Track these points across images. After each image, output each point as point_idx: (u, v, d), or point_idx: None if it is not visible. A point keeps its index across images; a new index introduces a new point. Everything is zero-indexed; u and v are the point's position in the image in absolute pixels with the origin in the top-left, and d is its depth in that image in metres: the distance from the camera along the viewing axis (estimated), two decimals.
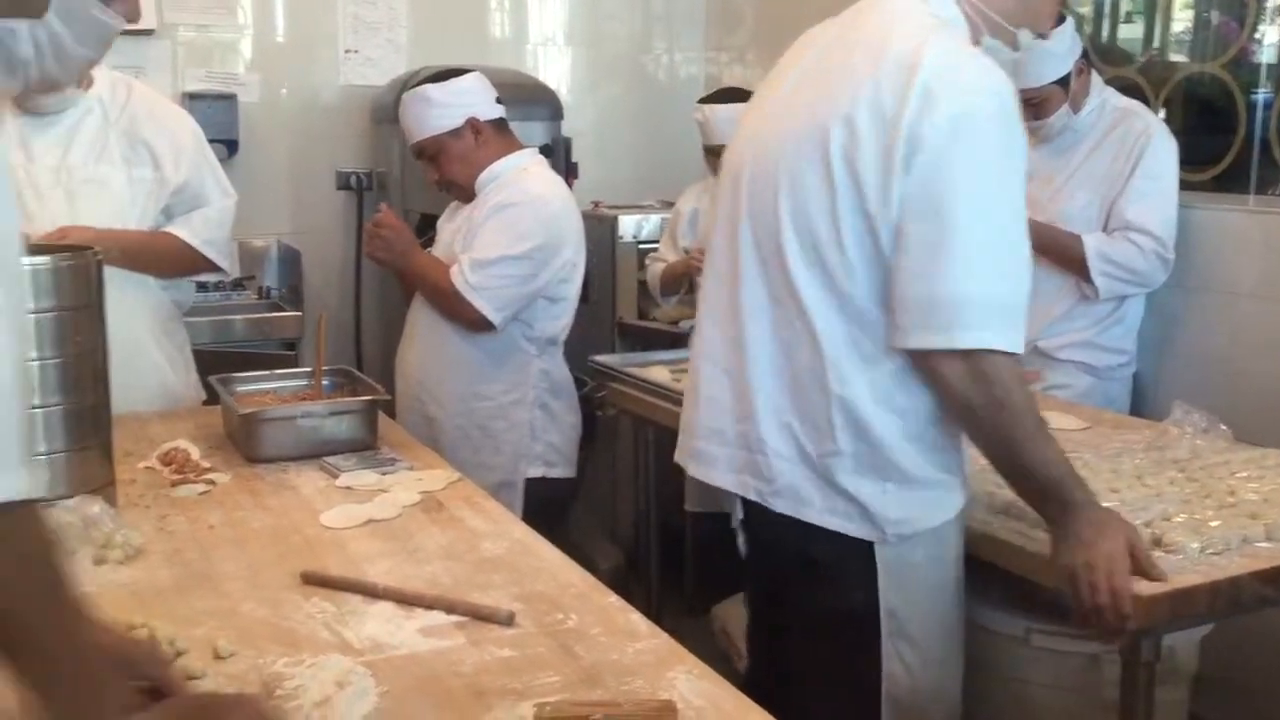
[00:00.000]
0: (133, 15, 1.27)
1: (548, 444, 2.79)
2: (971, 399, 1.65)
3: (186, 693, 1.25)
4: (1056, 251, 2.90)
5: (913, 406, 1.74)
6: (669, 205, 3.95)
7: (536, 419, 2.76)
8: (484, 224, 2.67)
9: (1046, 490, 1.69)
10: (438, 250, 2.82)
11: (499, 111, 2.77)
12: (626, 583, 3.46)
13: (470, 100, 2.72)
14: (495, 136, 2.74)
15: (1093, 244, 2.91)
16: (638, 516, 3.57)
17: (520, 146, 2.81)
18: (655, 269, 3.73)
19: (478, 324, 2.66)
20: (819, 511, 1.78)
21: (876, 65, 1.69)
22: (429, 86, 2.71)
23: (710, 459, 1.89)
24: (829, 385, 1.73)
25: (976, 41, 1.77)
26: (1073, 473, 1.69)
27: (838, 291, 1.71)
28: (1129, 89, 3.14)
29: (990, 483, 1.95)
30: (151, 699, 1.19)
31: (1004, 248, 1.65)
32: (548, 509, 2.72)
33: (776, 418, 1.79)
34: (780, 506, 1.80)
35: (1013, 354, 1.65)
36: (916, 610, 1.80)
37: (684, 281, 3.61)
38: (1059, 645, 1.87)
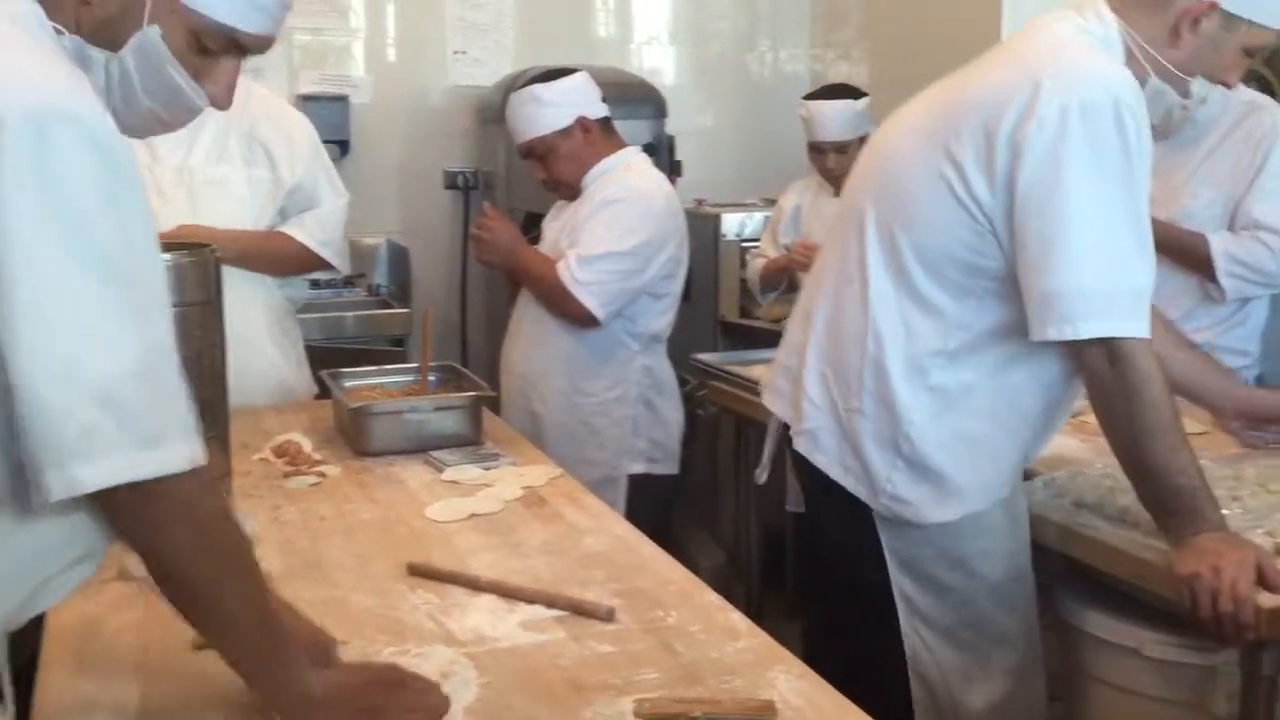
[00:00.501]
0: (220, 101, 1.25)
1: (650, 440, 2.80)
2: (1109, 386, 1.66)
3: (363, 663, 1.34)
4: (1178, 251, 2.80)
5: (946, 391, 1.78)
6: (772, 203, 3.92)
7: (639, 415, 2.78)
8: (590, 220, 2.69)
9: (1172, 498, 1.66)
10: (544, 248, 2.84)
11: (604, 110, 2.80)
12: (727, 582, 3.45)
13: (578, 99, 2.74)
14: (601, 135, 2.77)
15: (1219, 244, 2.80)
16: (738, 516, 3.56)
17: (624, 145, 2.83)
18: (755, 265, 3.71)
19: (583, 319, 2.68)
20: (830, 460, 1.89)
21: (1004, 67, 1.74)
22: (538, 86, 2.73)
23: (776, 390, 2.05)
24: (867, 346, 1.82)
25: (1142, 82, 1.74)
26: (1205, 488, 1.66)
27: (899, 268, 1.79)
28: (1255, 82, 3.02)
29: (1103, 488, 1.90)
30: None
31: (1119, 238, 1.65)
32: (650, 505, 2.74)
33: (817, 366, 1.92)
34: (800, 445, 1.93)
35: (1147, 340, 1.67)
36: (935, 603, 1.85)
37: (784, 277, 3.58)
38: (1174, 657, 1.81)
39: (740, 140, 4.75)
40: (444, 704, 1.27)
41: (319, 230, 2.67)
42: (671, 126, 4.05)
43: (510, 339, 2.93)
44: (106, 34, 1.16)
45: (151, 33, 1.16)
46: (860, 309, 1.84)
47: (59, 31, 1.13)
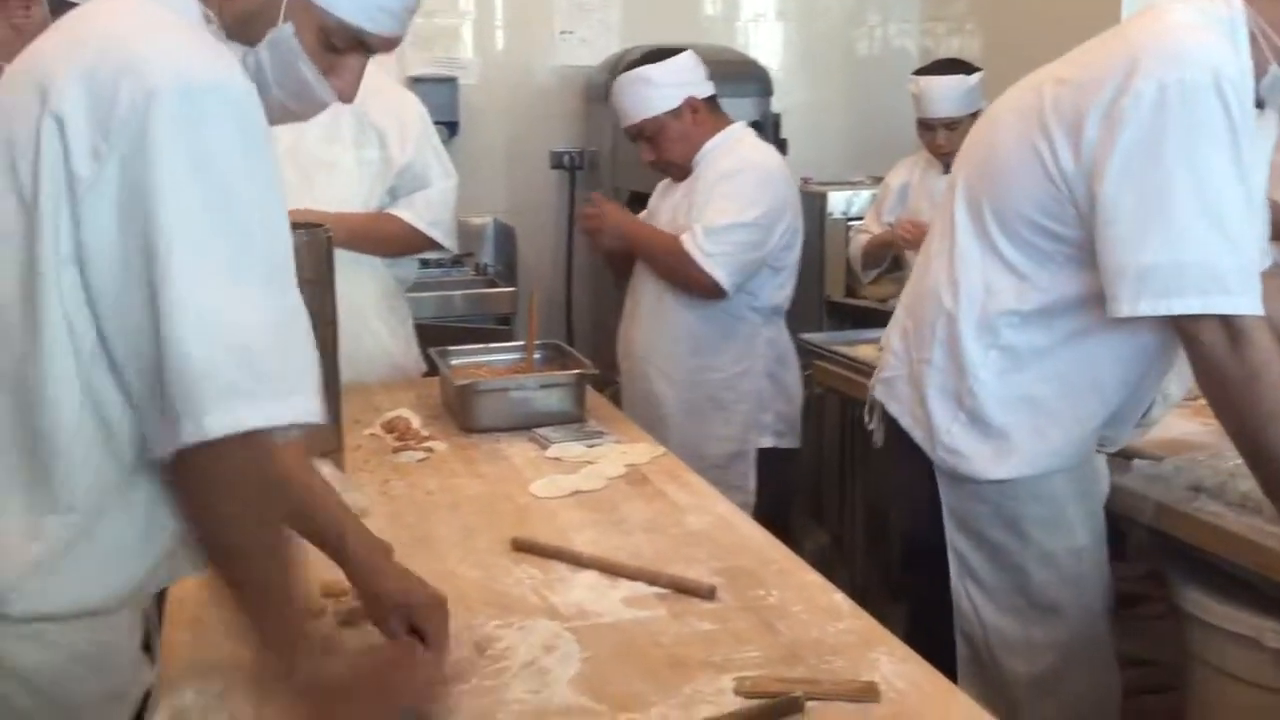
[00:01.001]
0: (346, 95, 1.30)
1: (776, 413, 2.80)
2: (1227, 367, 1.63)
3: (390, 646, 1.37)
4: None
5: (1015, 351, 1.80)
6: (879, 181, 3.86)
7: (765, 389, 2.77)
8: (710, 193, 2.68)
9: None
10: (652, 219, 2.85)
11: (711, 89, 2.78)
12: (831, 564, 3.42)
13: (687, 79, 2.73)
14: (709, 114, 2.75)
15: None
16: (843, 497, 3.53)
17: (730, 121, 2.81)
18: (858, 241, 3.66)
19: (709, 290, 2.66)
20: (902, 409, 1.96)
21: (1109, 47, 1.73)
22: (647, 68, 2.71)
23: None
24: (943, 299, 1.87)
25: (1263, 70, 1.70)
26: None
27: (982, 230, 1.83)
28: None
29: (1223, 473, 1.84)
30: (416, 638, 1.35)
31: (1223, 213, 1.61)
32: (777, 478, 2.75)
33: (902, 317, 2.00)
34: (879, 393, 2.02)
35: (1263, 318, 1.63)
36: (986, 563, 1.86)
37: (887, 255, 3.52)
38: None
39: (847, 117, 4.68)
40: (440, 680, 1.29)
41: (428, 211, 2.70)
42: (777, 104, 4.01)
43: (627, 321, 2.92)
44: (244, 28, 1.22)
45: (286, 30, 1.21)
46: (945, 265, 1.88)
47: (207, 20, 1.20)
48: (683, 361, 2.75)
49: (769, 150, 2.82)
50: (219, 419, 1.06)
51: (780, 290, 2.80)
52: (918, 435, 1.92)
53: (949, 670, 1.34)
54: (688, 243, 2.65)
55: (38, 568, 1.12)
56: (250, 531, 1.14)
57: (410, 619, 1.38)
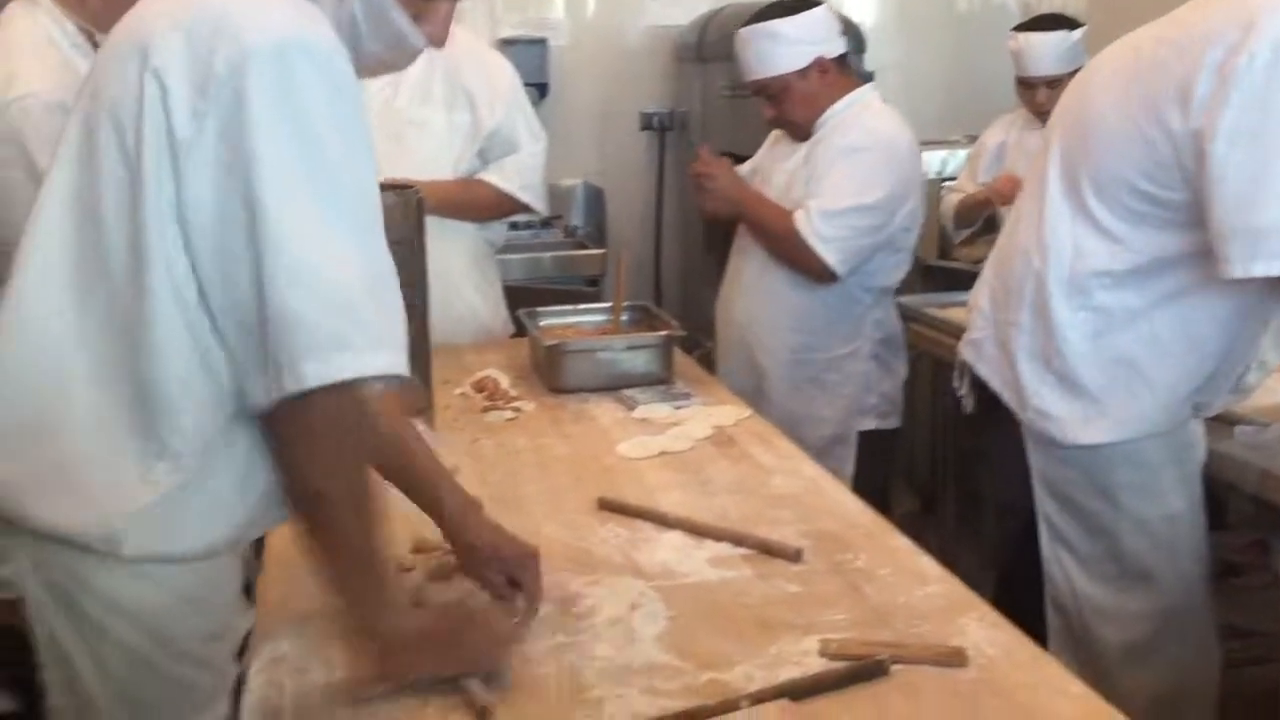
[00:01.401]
0: (436, 40, 1.31)
1: (881, 395, 2.64)
2: None
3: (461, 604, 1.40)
4: None
5: (1108, 312, 1.76)
6: (975, 140, 3.78)
7: (870, 371, 2.61)
8: (831, 168, 2.50)
9: None
10: (773, 194, 2.63)
11: (843, 46, 2.59)
12: (920, 529, 3.38)
13: (819, 36, 2.53)
14: (838, 74, 2.57)
15: None
16: (935, 461, 3.48)
17: (859, 83, 2.62)
18: (951, 199, 3.54)
19: (821, 275, 2.50)
20: (990, 371, 1.94)
21: (1223, 5, 1.67)
22: (778, 22, 2.51)
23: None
24: (1032, 260, 1.84)
25: None
26: None
27: (1075, 190, 1.79)
28: None
29: None
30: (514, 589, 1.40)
31: None
32: (877, 461, 2.61)
33: (990, 278, 1.97)
34: (966, 354, 2.00)
35: None
36: (1077, 529, 1.83)
37: (980, 214, 3.43)
38: None
39: (943, 75, 4.57)
40: (511, 632, 1.30)
41: (518, 175, 2.71)
42: (870, 62, 3.92)
43: (730, 289, 2.75)
44: None
45: None
46: (1035, 225, 1.85)
47: None
48: (785, 338, 2.59)
49: (898, 122, 2.60)
50: (317, 368, 1.09)
51: (896, 271, 2.62)
52: (1007, 397, 1.89)
53: (1041, 639, 1.32)
54: (801, 223, 2.47)
55: (148, 512, 1.17)
56: (339, 482, 1.16)
57: (505, 572, 1.41)
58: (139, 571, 1.19)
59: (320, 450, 1.15)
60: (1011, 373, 1.88)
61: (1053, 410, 1.82)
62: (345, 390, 1.11)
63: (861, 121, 2.54)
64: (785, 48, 2.51)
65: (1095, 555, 1.84)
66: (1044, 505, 1.87)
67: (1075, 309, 1.79)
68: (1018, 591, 1.90)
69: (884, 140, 2.52)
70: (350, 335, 1.11)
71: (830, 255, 2.46)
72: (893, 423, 2.68)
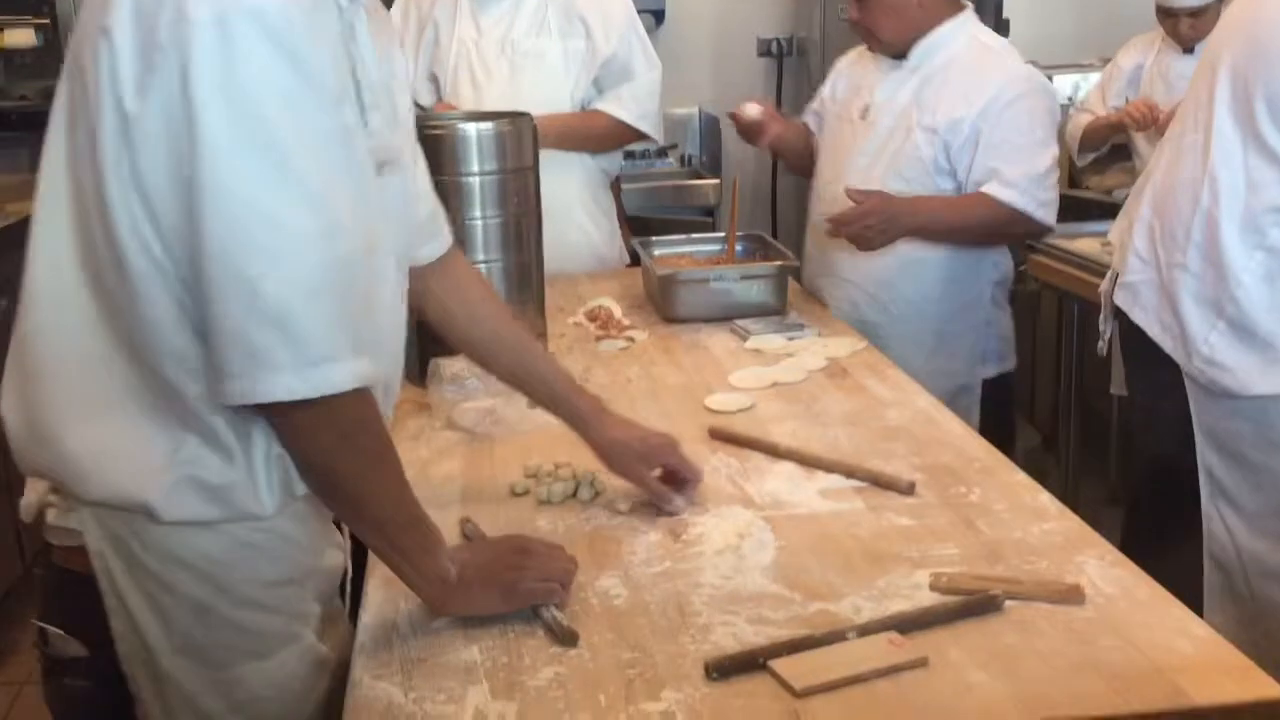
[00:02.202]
0: None
1: (1000, 338, 2.50)
2: None
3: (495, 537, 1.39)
4: None
5: None
6: (1109, 63, 3.61)
7: (991, 315, 2.46)
8: (1002, 125, 2.27)
9: None
10: (880, 132, 2.37)
11: None
12: (1041, 465, 3.31)
13: None
14: None
15: None
16: (1058, 397, 3.39)
17: (961, 7, 2.41)
18: (1078, 120, 3.37)
19: (1039, 236, 2.41)
20: (1149, 317, 1.83)
21: None
22: None
23: (1116, 247, 2.03)
24: (1201, 197, 1.73)
25: None
26: None
27: (1248, 115, 1.68)
28: None
29: None
30: (671, 482, 1.46)
31: None
32: (1000, 406, 2.47)
33: (1148, 217, 1.86)
34: (1120, 299, 1.90)
35: None
36: (1243, 484, 1.73)
37: (1109, 138, 3.27)
38: None
39: None
40: (572, 565, 1.29)
41: (635, 104, 2.69)
42: None
43: (828, 240, 2.42)
44: None
45: None
46: (1200, 158, 1.73)
47: None
48: (904, 292, 2.39)
49: (1015, 51, 2.42)
50: (241, 387, 1.07)
51: None
52: (1168, 345, 1.79)
53: (1170, 586, 1.27)
54: (1014, 199, 2.25)
55: (189, 481, 1.15)
56: (342, 460, 1.15)
57: (656, 462, 1.46)
58: (191, 527, 1.17)
59: (312, 441, 1.14)
60: (1175, 319, 1.78)
61: (1224, 359, 1.73)
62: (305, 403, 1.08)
63: (997, 64, 2.33)
64: None
65: (1263, 511, 1.75)
66: (1207, 458, 1.78)
67: (1251, 249, 1.68)
68: (1154, 536, 1.83)
69: (1034, 82, 2.35)
70: (280, 355, 1.05)
71: (1048, 215, 2.31)
72: (1010, 364, 2.53)
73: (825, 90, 2.59)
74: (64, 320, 1.15)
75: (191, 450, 1.15)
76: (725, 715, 1.08)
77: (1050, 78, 3.79)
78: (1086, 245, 2.80)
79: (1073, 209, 3.64)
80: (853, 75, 2.53)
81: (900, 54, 2.39)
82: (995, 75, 2.31)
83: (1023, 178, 2.26)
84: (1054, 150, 2.33)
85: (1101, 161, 3.51)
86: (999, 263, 2.48)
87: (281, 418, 1.12)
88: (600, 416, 1.52)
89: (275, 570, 1.23)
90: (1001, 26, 3.73)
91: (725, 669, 1.14)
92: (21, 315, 1.19)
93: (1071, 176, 3.77)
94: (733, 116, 2.55)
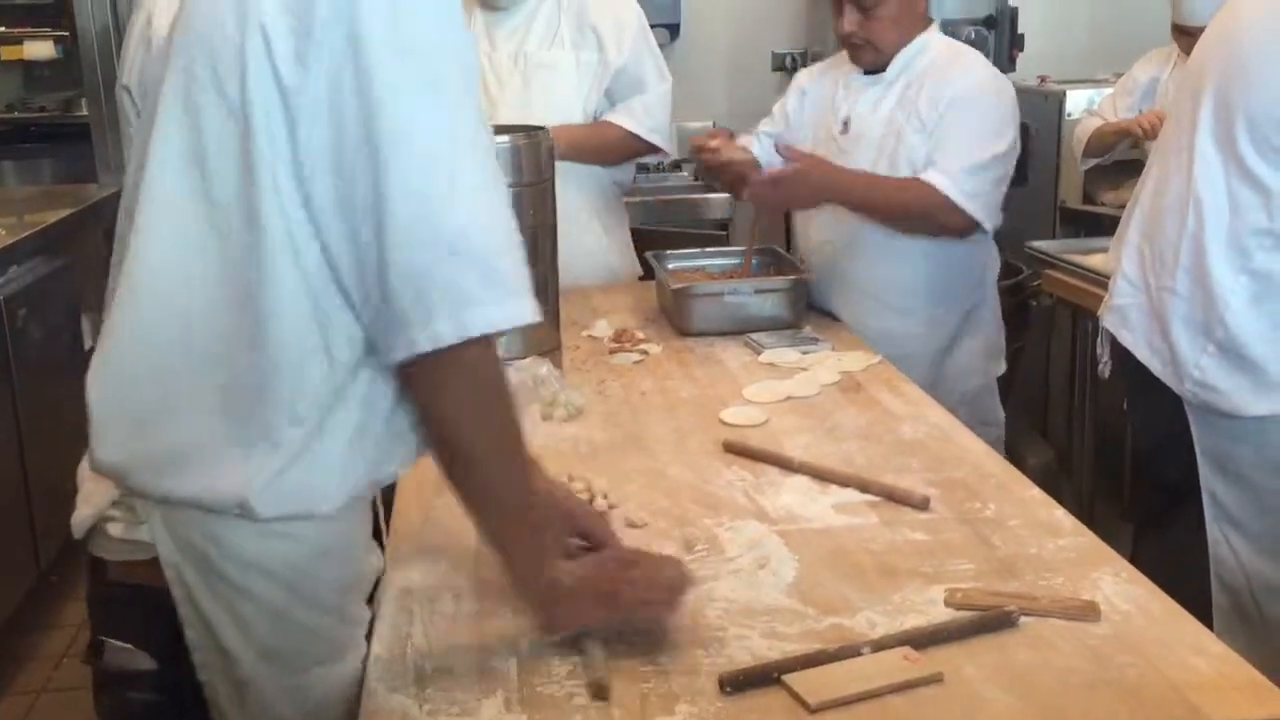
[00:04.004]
0: None
1: (1001, 329, 2.54)
2: None
3: (618, 547, 1.34)
4: None
5: (1270, 276, 1.65)
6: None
7: (998, 309, 2.50)
8: (955, 122, 2.31)
9: None
10: (871, 141, 2.39)
11: None
12: (1055, 481, 3.30)
13: None
14: (925, 8, 2.43)
15: None
16: (1072, 413, 3.38)
17: (930, 23, 2.45)
18: (1088, 124, 3.34)
19: (965, 232, 2.34)
20: (1137, 339, 1.84)
21: None
22: None
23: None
24: (1187, 220, 1.73)
25: None
26: None
27: (1228, 137, 1.68)
28: None
29: None
30: (585, 553, 1.31)
31: None
32: (1012, 400, 2.49)
33: (1136, 239, 1.86)
34: (1108, 321, 1.91)
35: None
36: (1247, 506, 1.72)
37: (1115, 145, 3.26)
38: None
39: (1092, 8, 4.37)
40: (684, 578, 1.25)
41: (646, 117, 2.70)
42: None
43: (849, 250, 2.46)
44: None
45: None
46: (1184, 181, 1.73)
47: None
48: (916, 301, 2.41)
49: (987, 62, 2.48)
50: (449, 326, 1.07)
51: (1002, 209, 2.46)
52: (1156, 367, 1.79)
53: (1179, 602, 1.27)
54: (945, 186, 2.27)
55: (279, 476, 1.15)
56: (487, 434, 1.15)
57: (573, 529, 1.35)
58: (272, 530, 1.17)
59: (464, 404, 1.13)
60: (1165, 343, 1.77)
61: (1217, 382, 1.72)
62: (481, 344, 1.09)
63: (965, 68, 2.38)
64: None
65: (1269, 533, 1.74)
66: (1209, 481, 1.77)
67: (1236, 272, 1.68)
68: (1159, 554, 1.83)
69: (997, 85, 2.39)
70: (481, 288, 1.08)
71: (980, 211, 2.31)
72: (1003, 361, 2.57)
73: (789, 108, 2.57)
74: (176, 313, 1.16)
75: (286, 444, 1.15)
76: None
77: (1064, 93, 3.84)
78: (1099, 260, 2.79)
79: (1087, 224, 3.65)
80: (818, 91, 2.53)
81: (879, 69, 2.41)
82: (961, 74, 2.36)
83: (958, 168, 2.28)
84: (998, 150, 2.30)
85: (1116, 176, 3.50)
86: (993, 254, 2.50)
87: (445, 370, 1.11)
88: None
89: (342, 574, 1.25)
90: (1017, 41, 3.74)
91: (739, 683, 1.14)
92: (123, 308, 1.18)
93: (1086, 193, 3.78)
94: (696, 151, 2.49)
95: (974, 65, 2.43)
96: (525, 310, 1.12)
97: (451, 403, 1.13)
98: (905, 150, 2.34)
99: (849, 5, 2.36)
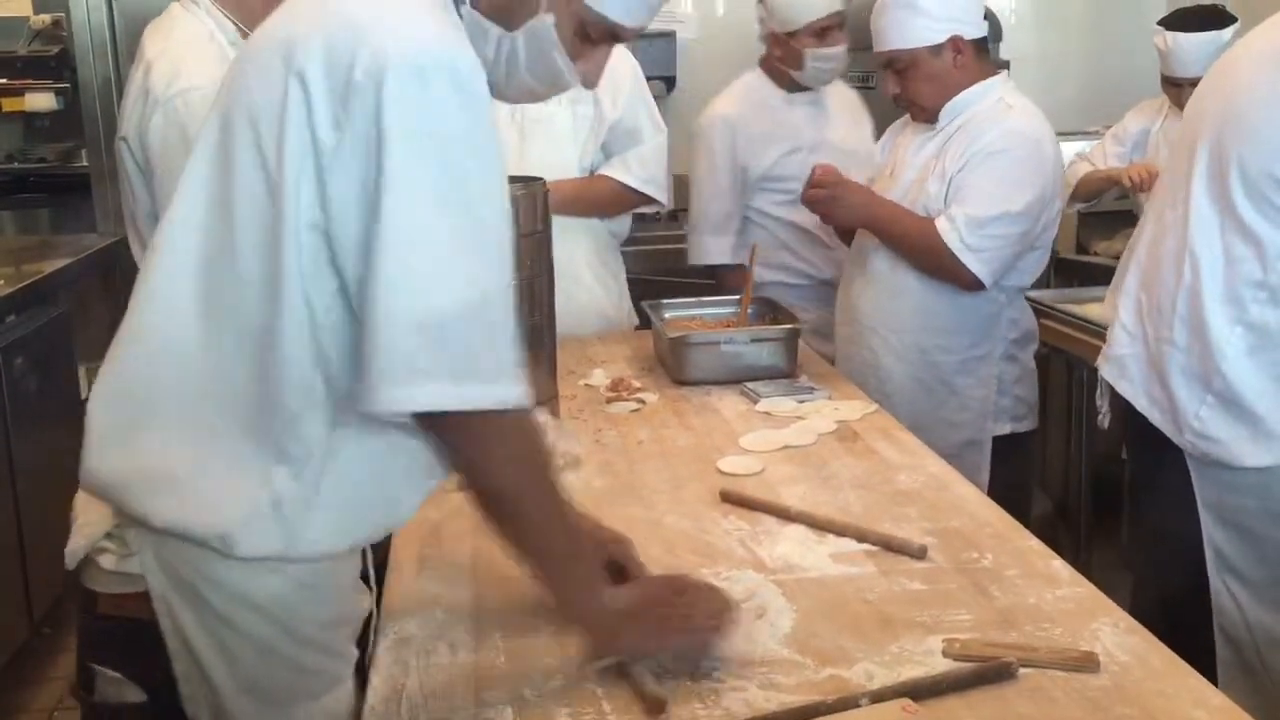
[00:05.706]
0: (590, 82, 1.33)
1: (1015, 397, 2.49)
2: None
3: (652, 575, 1.38)
4: None
5: (1265, 328, 1.66)
6: None
7: (1005, 372, 2.47)
8: (973, 172, 2.35)
9: None
10: (901, 187, 2.47)
11: (983, 30, 2.44)
12: (1053, 531, 3.29)
13: (959, 15, 2.39)
14: (974, 59, 2.43)
15: None
16: (1069, 462, 3.38)
17: (995, 71, 2.49)
18: (1076, 168, 3.35)
19: (967, 284, 2.37)
20: (1135, 390, 1.84)
21: None
22: None
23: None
24: (1183, 272, 1.74)
25: None
26: None
27: (1222, 190, 1.69)
28: None
29: None
30: (617, 581, 1.35)
31: None
32: (1013, 466, 2.49)
33: (1134, 290, 1.87)
34: (1106, 372, 1.91)
35: None
36: (1248, 557, 1.72)
37: (1104, 192, 3.29)
38: None
39: (1081, 63, 4.43)
40: (728, 606, 1.29)
41: (641, 169, 2.72)
42: (1006, 51, 3.83)
43: (856, 283, 2.58)
44: (504, 14, 1.25)
45: (547, 20, 1.24)
46: (1181, 233, 1.75)
47: (459, 1, 1.23)
48: (915, 339, 2.46)
49: (1037, 116, 2.44)
50: (390, 394, 1.11)
51: (1035, 268, 2.49)
52: (1156, 417, 1.80)
53: (1179, 654, 1.26)
54: (946, 232, 2.32)
55: (264, 515, 1.17)
56: (514, 477, 1.19)
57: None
58: (266, 566, 1.19)
59: (489, 453, 1.18)
60: (1165, 393, 1.77)
61: (1215, 433, 1.73)
62: (458, 414, 1.13)
63: (1002, 120, 2.39)
64: (923, 20, 2.37)
65: (1270, 582, 1.74)
66: (1211, 532, 1.77)
67: (1232, 323, 1.69)
68: (1159, 604, 1.81)
69: (1028, 138, 2.38)
70: (432, 365, 1.10)
71: (978, 266, 2.33)
72: (1028, 425, 2.55)
73: (880, 149, 2.70)
74: (161, 341, 1.20)
75: (275, 486, 1.18)
76: None
77: (1057, 145, 3.86)
78: (1095, 310, 2.80)
79: (1080, 274, 3.66)
80: (895, 140, 2.64)
81: (931, 121, 2.48)
82: (994, 126, 2.38)
83: (963, 218, 2.33)
84: (1011, 207, 2.31)
85: (1109, 226, 3.53)
86: (1017, 320, 2.51)
87: (448, 429, 1.16)
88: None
89: (329, 611, 1.27)
90: None
91: None
92: (130, 339, 1.22)
93: (1080, 243, 3.80)
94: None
95: (1013, 119, 2.41)
96: (484, 395, 1.14)
97: (477, 451, 1.19)
98: (924, 198, 2.42)
99: (887, 71, 2.46)
